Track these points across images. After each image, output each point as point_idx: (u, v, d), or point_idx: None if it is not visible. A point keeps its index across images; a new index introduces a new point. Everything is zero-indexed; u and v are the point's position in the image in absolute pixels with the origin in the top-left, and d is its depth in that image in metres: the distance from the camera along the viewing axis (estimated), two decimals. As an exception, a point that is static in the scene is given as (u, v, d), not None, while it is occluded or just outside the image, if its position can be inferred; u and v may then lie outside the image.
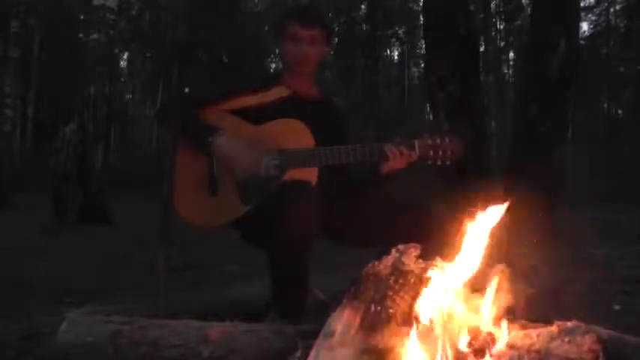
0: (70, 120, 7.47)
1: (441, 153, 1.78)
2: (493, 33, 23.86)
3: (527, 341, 1.12)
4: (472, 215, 1.24)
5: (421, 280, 1.17)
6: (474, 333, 1.15)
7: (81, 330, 1.41)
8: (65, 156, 6.91)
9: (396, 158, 1.76)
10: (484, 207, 1.26)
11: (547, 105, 4.33)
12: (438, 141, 1.78)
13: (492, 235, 1.24)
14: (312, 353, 1.14)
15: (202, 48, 17.11)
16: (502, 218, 1.25)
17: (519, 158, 4.51)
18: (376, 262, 1.22)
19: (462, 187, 4.32)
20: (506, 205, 1.25)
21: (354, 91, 22.64)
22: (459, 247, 1.22)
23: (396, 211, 1.78)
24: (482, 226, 1.24)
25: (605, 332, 1.16)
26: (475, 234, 1.23)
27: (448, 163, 1.80)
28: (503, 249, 1.26)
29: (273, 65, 22.57)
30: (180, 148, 1.81)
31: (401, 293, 1.15)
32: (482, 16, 21.55)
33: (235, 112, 1.82)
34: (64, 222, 6.63)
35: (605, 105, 22.78)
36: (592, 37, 21.64)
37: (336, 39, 21.98)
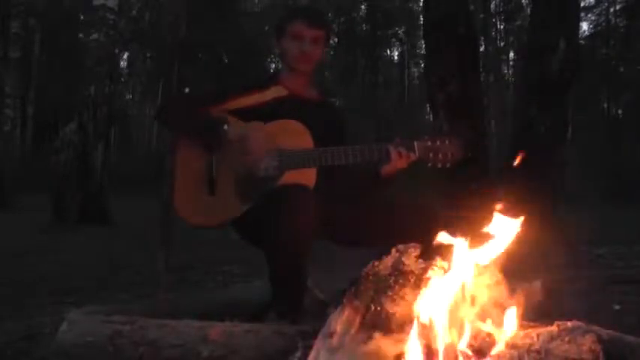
0: (70, 120, 7.44)
1: (440, 155, 1.77)
2: (493, 33, 23.86)
3: (527, 341, 1.11)
4: (478, 217, 1.24)
5: (421, 280, 1.17)
6: (474, 333, 1.15)
7: (81, 330, 1.41)
8: (65, 156, 6.90)
9: (396, 160, 1.76)
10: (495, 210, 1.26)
11: (547, 105, 4.34)
12: (438, 143, 1.77)
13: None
14: (312, 353, 1.14)
15: (202, 48, 17.10)
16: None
17: (519, 158, 4.51)
18: (376, 262, 1.22)
19: (462, 187, 4.33)
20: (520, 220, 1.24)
21: (354, 91, 22.63)
22: (459, 246, 1.22)
23: (395, 211, 1.78)
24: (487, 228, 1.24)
25: (605, 332, 1.16)
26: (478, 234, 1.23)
27: (448, 165, 1.79)
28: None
29: (273, 65, 22.57)
30: (181, 148, 1.80)
31: (401, 293, 1.15)
32: (482, 16, 21.53)
33: (232, 113, 1.82)
34: (64, 222, 6.63)
35: (605, 105, 22.76)
36: (592, 37, 21.64)
37: (336, 39, 21.97)
